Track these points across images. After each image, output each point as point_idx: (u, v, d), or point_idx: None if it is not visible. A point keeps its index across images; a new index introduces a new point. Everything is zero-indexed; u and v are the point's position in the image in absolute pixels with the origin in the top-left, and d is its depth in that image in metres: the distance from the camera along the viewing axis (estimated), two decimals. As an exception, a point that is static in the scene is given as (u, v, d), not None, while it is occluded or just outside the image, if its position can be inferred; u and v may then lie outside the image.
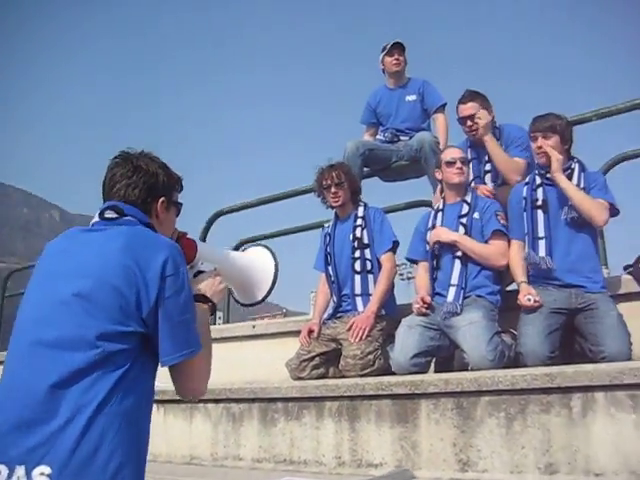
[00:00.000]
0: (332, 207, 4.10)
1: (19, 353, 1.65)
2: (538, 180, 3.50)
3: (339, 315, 3.92)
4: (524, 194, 3.51)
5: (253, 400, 3.50)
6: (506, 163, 3.79)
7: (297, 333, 4.02)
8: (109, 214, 1.81)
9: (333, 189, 3.98)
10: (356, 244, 3.90)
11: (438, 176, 3.85)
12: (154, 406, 1.78)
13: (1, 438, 1.52)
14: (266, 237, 6.60)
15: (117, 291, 1.63)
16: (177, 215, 2.02)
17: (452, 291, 3.47)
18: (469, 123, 3.93)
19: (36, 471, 1.46)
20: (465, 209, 3.65)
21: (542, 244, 3.37)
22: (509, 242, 3.55)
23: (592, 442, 2.51)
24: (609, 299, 3.22)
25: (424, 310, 3.49)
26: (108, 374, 1.57)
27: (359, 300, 3.85)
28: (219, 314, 6.63)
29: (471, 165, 3.99)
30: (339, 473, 3.09)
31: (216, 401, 3.64)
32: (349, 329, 3.67)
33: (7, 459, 1.48)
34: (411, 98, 4.96)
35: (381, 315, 3.74)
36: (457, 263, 3.53)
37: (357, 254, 3.89)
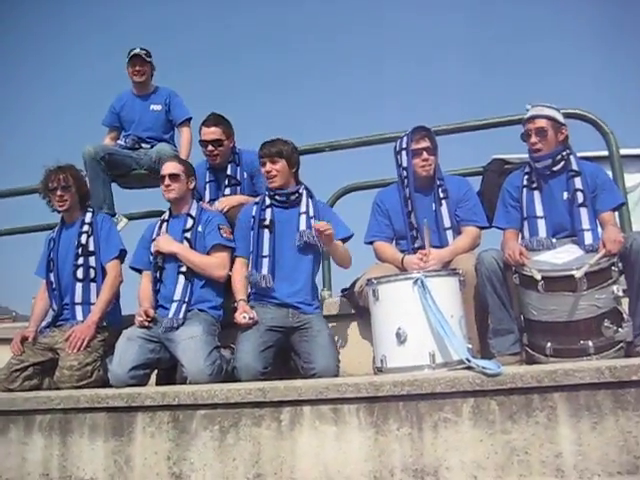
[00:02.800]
0: (58, 211, 3.93)
1: None
2: (268, 201, 3.63)
3: (59, 324, 3.76)
4: (253, 213, 3.62)
5: (-51, 415, 3.20)
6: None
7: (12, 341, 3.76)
8: None
9: (59, 192, 3.82)
10: (80, 251, 3.78)
11: None
12: None
13: None
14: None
15: None
16: None
17: (174, 306, 3.48)
18: (210, 148, 4.03)
19: None
20: (189, 223, 3.69)
21: (265, 262, 3.49)
22: (232, 255, 3.65)
23: (297, 453, 2.66)
24: (323, 319, 3.47)
25: (146, 323, 3.46)
26: None
27: (79, 309, 3.72)
28: None
29: (208, 187, 4.11)
30: (45, 491, 2.94)
31: None
32: (67, 339, 3.53)
33: None
34: (156, 107, 4.94)
35: (103, 326, 3.66)
36: (181, 278, 3.56)
37: (80, 261, 3.76)
